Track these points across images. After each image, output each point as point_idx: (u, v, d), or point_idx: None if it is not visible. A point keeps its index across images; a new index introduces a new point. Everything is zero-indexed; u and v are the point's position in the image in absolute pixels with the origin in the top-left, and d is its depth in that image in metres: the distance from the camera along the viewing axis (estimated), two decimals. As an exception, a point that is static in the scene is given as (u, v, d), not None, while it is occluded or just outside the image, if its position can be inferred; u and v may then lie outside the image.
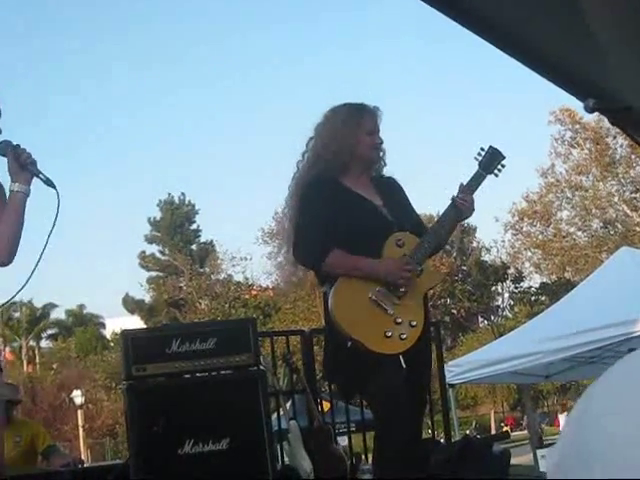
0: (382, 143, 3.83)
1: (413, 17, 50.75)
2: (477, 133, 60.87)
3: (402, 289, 3.56)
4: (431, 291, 3.68)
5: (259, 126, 66.99)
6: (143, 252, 51.28)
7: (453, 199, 3.73)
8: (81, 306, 54.44)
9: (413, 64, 56.58)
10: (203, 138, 65.46)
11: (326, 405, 6.76)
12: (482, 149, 3.80)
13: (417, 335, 3.55)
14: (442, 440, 7.26)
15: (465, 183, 3.76)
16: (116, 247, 72.06)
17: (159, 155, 66.08)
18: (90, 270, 67.27)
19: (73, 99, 66.39)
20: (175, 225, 50.92)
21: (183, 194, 51.80)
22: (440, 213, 3.81)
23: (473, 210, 3.74)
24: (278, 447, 5.94)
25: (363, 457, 6.55)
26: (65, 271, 65.17)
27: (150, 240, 51.74)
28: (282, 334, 7.92)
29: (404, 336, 3.50)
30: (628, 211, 37.36)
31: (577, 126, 37.61)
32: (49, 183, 3.31)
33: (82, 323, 53.04)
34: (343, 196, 3.74)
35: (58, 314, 52.94)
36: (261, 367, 5.31)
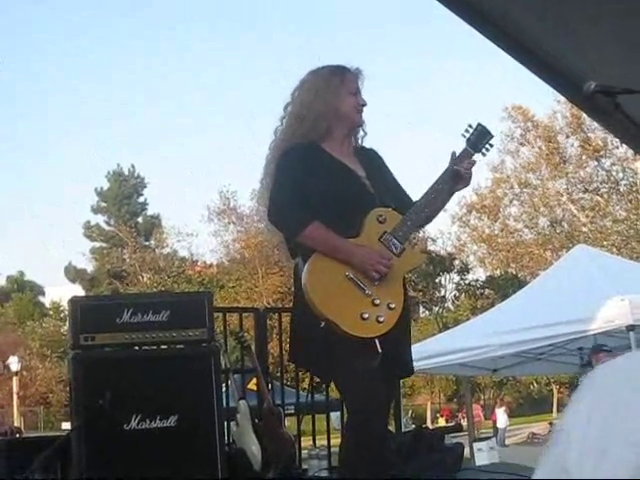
0: (365, 105, 3.61)
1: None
2: (433, 119, 61.40)
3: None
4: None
5: (216, 104, 66.61)
6: (88, 222, 50.81)
7: (452, 169, 3.48)
8: (22, 273, 53.73)
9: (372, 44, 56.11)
10: (157, 112, 64.86)
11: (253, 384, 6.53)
12: (470, 126, 3.56)
13: (395, 318, 3.34)
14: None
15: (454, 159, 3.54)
16: (61, 216, 71.28)
17: (110, 125, 65.40)
18: (33, 238, 66.65)
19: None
20: (122, 197, 50.41)
21: (133, 166, 51.41)
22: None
23: (471, 179, 3.55)
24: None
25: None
26: (8, 238, 64.36)
27: (96, 210, 51.25)
28: (235, 310, 7.70)
29: (382, 319, 3.29)
30: (575, 211, 37.64)
31: (529, 124, 37.76)
32: None
33: (21, 290, 52.30)
34: (325, 163, 3.50)
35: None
36: (215, 343, 5.11)
